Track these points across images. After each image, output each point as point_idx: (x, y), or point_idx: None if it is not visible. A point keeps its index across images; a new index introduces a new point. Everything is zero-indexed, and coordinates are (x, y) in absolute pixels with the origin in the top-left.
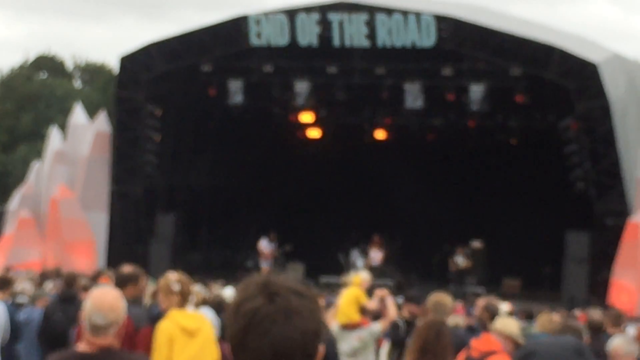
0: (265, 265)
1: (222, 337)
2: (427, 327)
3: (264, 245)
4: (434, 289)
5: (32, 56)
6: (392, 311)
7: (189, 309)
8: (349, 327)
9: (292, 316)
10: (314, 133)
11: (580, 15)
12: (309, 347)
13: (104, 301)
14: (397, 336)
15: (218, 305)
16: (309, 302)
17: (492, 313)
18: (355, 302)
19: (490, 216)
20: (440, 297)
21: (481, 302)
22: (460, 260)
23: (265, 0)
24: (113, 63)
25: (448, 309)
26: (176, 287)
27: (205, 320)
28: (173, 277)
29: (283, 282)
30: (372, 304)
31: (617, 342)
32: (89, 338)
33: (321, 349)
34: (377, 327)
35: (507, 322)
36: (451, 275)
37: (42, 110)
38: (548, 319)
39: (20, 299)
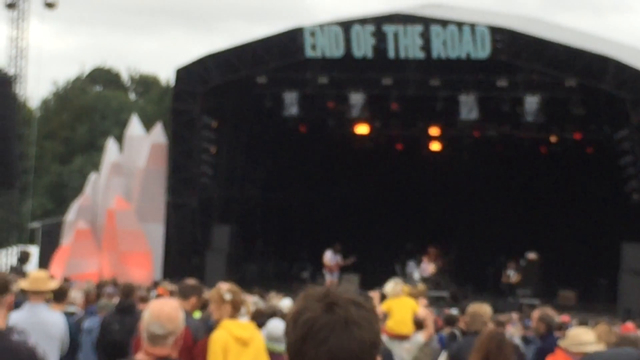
0: (330, 277)
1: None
2: (488, 338)
3: (329, 257)
4: (489, 301)
5: (87, 68)
6: (430, 322)
7: (241, 319)
8: (399, 337)
9: (350, 326)
10: (369, 144)
11: (628, 25)
12: (366, 357)
13: (163, 311)
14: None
15: (273, 316)
16: (367, 313)
17: (548, 324)
18: (412, 313)
19: (546, 228)
20: (478, 308)
21: (536, 314)
22: (512, 274)
23: (316, 12)
24: (164, 74)
25: (485, 319)
26: (228, 297)
27: (257, 330)
28: (225, 287)
29: (342, 293)
30: (422, 312)
31: None
32: (147, 348)
33: (378, 359)
34: (420, 338)
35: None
36: (504, 287)
37: (97, 122)
38: (606, 331)
39: (70, 309)
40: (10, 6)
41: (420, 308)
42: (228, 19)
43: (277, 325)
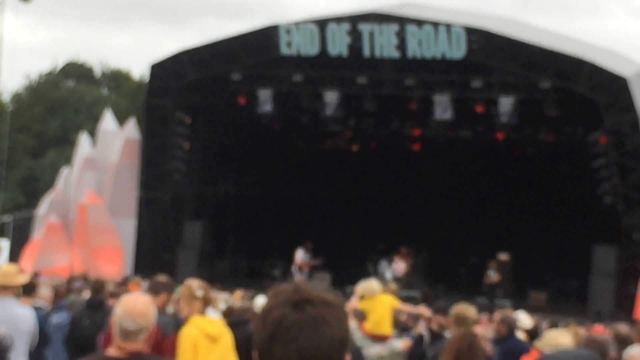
0: (299, 276)
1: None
2: (459, 339)
3: (301, 255)
4: (460, 301)
5: (60, 62)
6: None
7: (210, 315)
8: (377, 338)
9: (319, 324)
10: (343, 143)
11: (600, 27)
12: (335, 355)
13: (135, 307)
14: (418, 350)
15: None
16: (337, 311)
17: (510, 326)
18: (392, 312)
19: (518, 229)
20: (463, 309)
21: (497, 316)
22: (493, 274)
23: (289, 10)
24: (136, 69)
25: (470, 320)
26: (199, 293)
27: (224, 326)
28: (195, 284)
29: (312, 291)
30: (406, 307)
31: (634, 351)
32: (119, 343)
33: (347, 358)
34: (398, 345)
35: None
36: (485, 289)
37: (70, 117)
38: (573, 333)
39: (38, 304)
40: None
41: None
42: (201, 15)
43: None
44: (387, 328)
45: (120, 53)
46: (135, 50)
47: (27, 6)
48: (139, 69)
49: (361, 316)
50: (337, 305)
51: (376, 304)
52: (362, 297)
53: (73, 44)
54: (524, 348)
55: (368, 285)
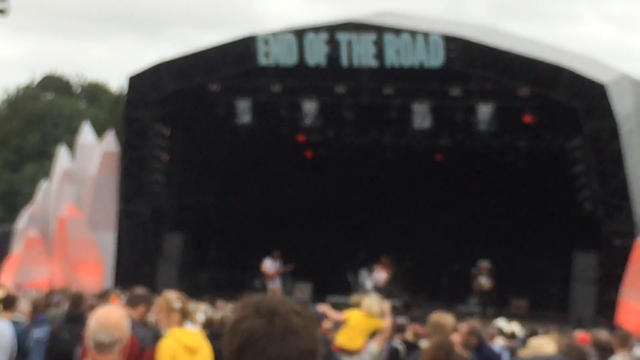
0: (272, 286)
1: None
2: (436, 348)
3: (269, 265)
4: (441, 310)
5: (37, 75)
6: (387, 324)
7: (188, 327)
8: (347, 352)
9: (289, 335)
10: (322, 152)
11: (577, 34)
12: None
13: (109, 319)
14: None
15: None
16: (306, 322)
17: (478, 336)
18: (370, 332)
19: (498, 236)
20: (441, 317)
21: (465, 327)
22: (484, 281)
23: (265, 20)
24: (113, 81)
25: (448, 329)
26: (177, 305)
27: (203, 338)
28: (173, 296)
29: (281, 302)
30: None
31: None
32: (93, 356)
33: None
34: (374, 347)
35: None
36: (476, 296)
37: (49, 130)
38: (556, 340)
39: (17, 318)
40: None
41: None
42: (177, 26)
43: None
44: (358, 344)
45: (96, 65)
46: (112, 62)
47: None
48: (116, 81)
49: (336, 327)
50: (306, 315)
51: (361, 319)
52: (367, 314)
53: (48, 57)
54: (496, 355)
55: (372, 304)
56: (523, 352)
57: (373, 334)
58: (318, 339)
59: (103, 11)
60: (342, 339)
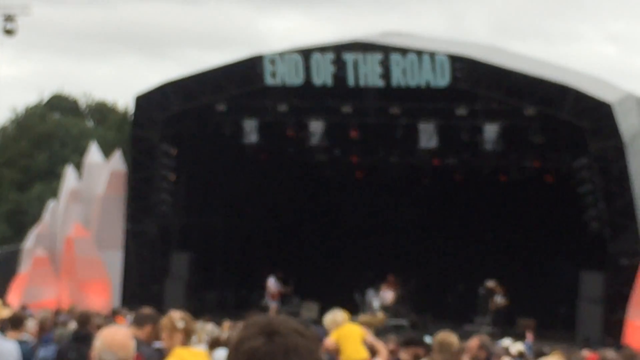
0: (273, 304)
1: None
2: None
3: (272, 283)
4: (448, 329)
5: (44, 95)
6: (382, 347)
7: (193, 347)
8: None
9: (290, 355)
10: (329, 172)
11: (577, 54)
12: None
13: (115, 339)
14: None
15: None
16: (308, 342)
17: (488, 350)
18: (362, 339)
19: (505, 256)
20: (446, 337)
21: (475, 342)
22: (499, 299)
23: (269, 40)
24: (120, 101)
25: (454, 348)
26: (180, 325)
27: (207, 358)
28: (177, 315)
29: (283, 322)
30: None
31: None
32: None
33: None
34: None
35: None
36: (492, 315)
37: (57, 150)
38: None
39: (24, 338)
40: None
41: (368, 336)
42: (179, 46)
43: (223, 355)
44: (363, 354)
45: (100, 85)
46: (116, 82)
47: (5, 39)
48: (120, 101)
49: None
50: (308, 335)
51: (347, 332)
52: (330, 330)
53: (53, 77)
54: None
55: (330, 318)
56: None
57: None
58: (319, 358)
59: (107, 31)
60: (351, 355)
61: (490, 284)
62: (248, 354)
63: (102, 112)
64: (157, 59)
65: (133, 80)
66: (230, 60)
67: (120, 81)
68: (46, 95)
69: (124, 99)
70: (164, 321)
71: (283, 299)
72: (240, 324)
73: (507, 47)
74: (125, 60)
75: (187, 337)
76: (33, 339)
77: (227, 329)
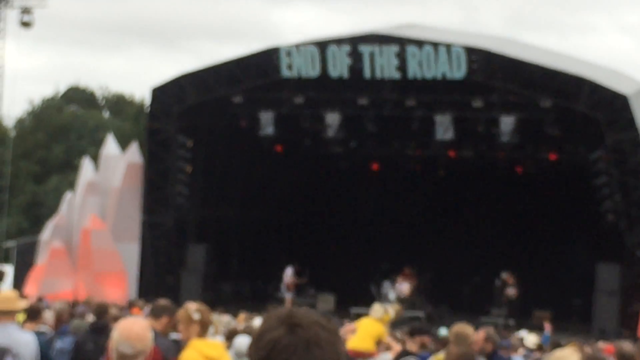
0: (288, 296)
1: None
2: (459, 359)
3: (289, 274)
4: (464, 321)
5: (61, 88)
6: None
7: (210, 338)
8: (361, 355)
9: (312, 347)
10: (345, 164)
11: (591, 46)
12: None
13: (132, 331)
14: None
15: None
16: (329, 334)
17: (494, 343)
18: (376, 336)
19: (521, 248)
20: (462, 328)
21: (482, 334)
22: (511, 291)
23: (283, 31)
24: (135, 93)
25: (470, 339)
26: (196, 316)
27: (225, 349)
28: (193, 307)
29: (305, 314)
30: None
31: None
32: None
33: None
34: (388, 357)
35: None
36: (503, 307)
37: (73, 142)
38: (576, 350)
39: (42, 329)
40: None
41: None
42: (194, 38)
43: (243, 342)
44: (368, 344)
45: (114, 77)
46: (130, 73)
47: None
48: (135, 92)
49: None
50: (329, 328)
51: (366, 322)
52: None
53: (68, 69)
54: None
55: (376, 308)
56: None
57: (379, 341)
58: (341, 352)
59: (121, 24)
60: (352, 343)
61: (506, 275)
62: (269, 345)
63: (119, 104)
64: (171, 51)
65: (147, 72)
66: (246, 52)
67: (134, 73)
68: (62, 88)
69: (139, 91)
70: (181, 313)
71: (298, 290)
72: (255, 316)
73: (521, 39)
74: (139, 52)
75: (203, 328)
76: (51, 330)
77: (243, 321)
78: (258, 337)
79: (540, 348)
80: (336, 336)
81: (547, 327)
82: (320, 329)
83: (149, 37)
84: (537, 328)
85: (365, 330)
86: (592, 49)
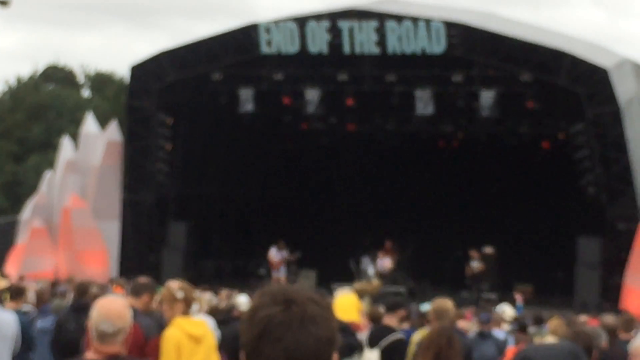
0: (276, 275)
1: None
2: (438, 334)
3: (273, 254)
4: (446, 296)
5: (39, 67)
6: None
7: (193, 316)
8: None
9: (306, 323)
10: (325, 140)
11: (565, 18)
12: (322, 354)
13: (111, 309)
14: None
15: (228, 314)
16: (323, 310)
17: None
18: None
19: (502, 222)
20: (442, 303)
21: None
22: (475, 265)
23: (256, 9)
24: (111, 71)
25: (450, 314)
26: (180, 295)
27: (208, 327)
28: (176, 286)
29: (298, 290)
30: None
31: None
32: (96, 346)
33: (335, 356)
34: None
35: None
36: (467, 281)
37: (52, 121)
38: (559, 324)
39: (25, 308)
40: None
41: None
42: (167, 15)
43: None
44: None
45: (88, 54)
46: (104, 51)
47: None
48: (113, 71)
49: None
50: (323, 304)
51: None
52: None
53: (41, 48)
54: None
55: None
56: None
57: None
58: (335, 327)
59: (94, 1)
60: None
61: (488, 249)
62: (264, 322)
63: (100, 82)
64: (145, 28)
65: (123, 50)
66: (225, 29)
67: (109, 51)
68: (39, 66)
69: (117, 69)
70: (164, 292)
71: (288, 267)
72: (237, 293)
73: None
74: (113, 30)
75: (187, 306)
76: (34, 309)
77: (225, 298)
78: (251, 314)
79: (517, 320)
80: (330, 312)
81: (519, 298)
82: (314, 305)
83: (123, 15)
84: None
85: (344, 304)
86: (565, 22)
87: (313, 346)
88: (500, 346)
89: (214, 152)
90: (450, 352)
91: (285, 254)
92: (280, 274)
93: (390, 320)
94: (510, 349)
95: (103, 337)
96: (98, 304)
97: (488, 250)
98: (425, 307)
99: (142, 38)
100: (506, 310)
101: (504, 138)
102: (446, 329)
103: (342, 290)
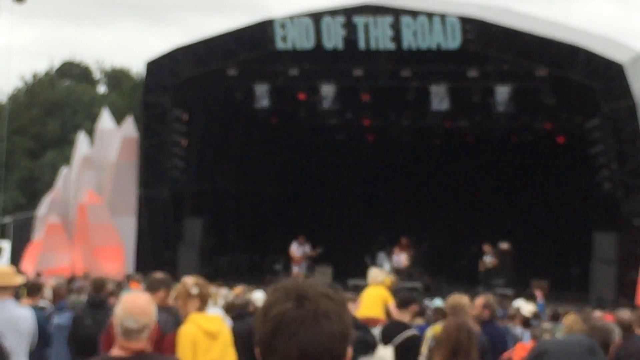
0: (296, 270)
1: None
2: (457, 329)
3: (294, 249)
4: (462, 291)
5: (54, 63)
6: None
7: (208, 312)
8: (370, 322)
9: (320, 319)
10: (340, 136)
11: (578, 13)
12: (336, 349)
13: (136, 305)
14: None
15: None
16: (337, 306)
17: (492, 311)
18: (381, 300)
19: (518, 217)
20: (459, 299)
21: (480, 301)
22: (488, 260)
23: (268, 4)
24: (126, 67)
25: (466, 309)
26: (195, 291)
27: (224, 323)
28: (190, 281)
29: (312, 286)
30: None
31: None
32: (122, 343)
33: (349, 351)
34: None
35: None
36: (480, 276)
37: (68, 117)
38: (575, 320)
39: (41, 304)
40: None
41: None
42: (179, 11)
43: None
44: (374, 311)
45: (103, 51)
46: (115, 47)
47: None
48: (128, 66)
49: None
50: (337, 299)
51: (368, 291)
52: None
53: (55, 44)
54: (502, 334)
55: (371, 273)
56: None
57: (386, 306)
58: (349, 323)
59: None
60: (360, 312)
61: (503, 245)
62: (277, 318)
63: (116, 78)
64: (159, 24)
65: (136, 46)
66: (240, 25)
67: (123, 47)
68: (55, 63)
69: (132, 65)
70: (179, 289)
71: (311, 262)
72: (253, 289)
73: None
74: (126, 25)
75: (203, 302)
76: (50, 305)
77: (240, 294)
78: (265, 310)
79: (537, 316)
80: (343, 307)
81: (539, 295)
82: (327, 300)
83: (138, 11)
84: (535, 297)
85: (371, 298)
86: (579, 17)
87: (327, 341)
88: (516, 342)
89: (230, 148)
90: (470, 346)
91: (306, 249)
92: (302, 269)
93: (403, 315)
94: (520, 345)
95: (128, 333)
96: (123, 301)
97: (504, 246)
98: (437, 302)
99: (156, 34)
100: (522, 306)
101: (519, 133)
102: (464, 323)
103: (375, 272)
